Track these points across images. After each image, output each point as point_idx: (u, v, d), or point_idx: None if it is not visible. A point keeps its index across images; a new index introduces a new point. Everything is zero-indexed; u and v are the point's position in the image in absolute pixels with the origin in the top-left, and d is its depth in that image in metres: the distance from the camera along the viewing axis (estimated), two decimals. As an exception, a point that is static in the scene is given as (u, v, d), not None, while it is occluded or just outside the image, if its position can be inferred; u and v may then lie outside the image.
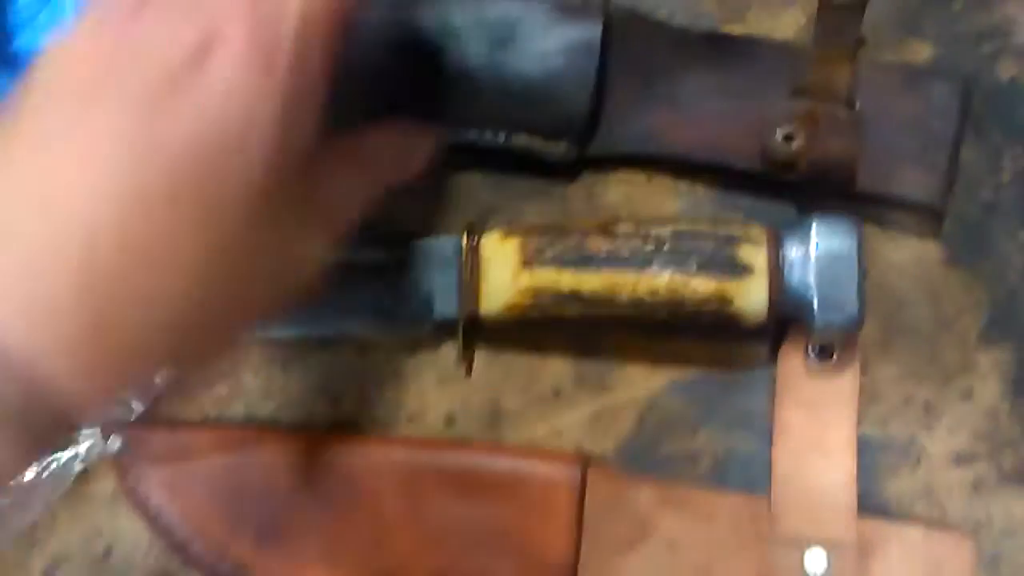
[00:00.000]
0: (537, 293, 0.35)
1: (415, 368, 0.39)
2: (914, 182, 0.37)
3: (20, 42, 0.41)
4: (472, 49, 0.36)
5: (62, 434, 0.26)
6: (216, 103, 0.25)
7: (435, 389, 0.39)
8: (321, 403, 0.39)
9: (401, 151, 0.34)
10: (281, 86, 0.25)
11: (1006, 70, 0.40)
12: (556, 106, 0.37)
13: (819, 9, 0.36)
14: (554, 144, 0.38)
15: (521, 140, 0.38)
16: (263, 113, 0.25)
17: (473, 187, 0.40)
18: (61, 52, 0.26)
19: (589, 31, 0.36)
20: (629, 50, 0.38)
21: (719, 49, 0.38)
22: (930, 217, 0.38)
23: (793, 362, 0.37)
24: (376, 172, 0.33)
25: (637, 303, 0.35)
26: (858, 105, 0.37)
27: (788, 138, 0.36)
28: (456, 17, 0.36)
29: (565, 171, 0.39)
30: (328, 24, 0.27)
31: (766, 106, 0.37)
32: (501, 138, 0.38)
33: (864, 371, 0.37)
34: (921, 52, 0.40)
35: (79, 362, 0.24)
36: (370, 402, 0.39)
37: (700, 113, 0.38)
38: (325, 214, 0.30)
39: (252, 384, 0.39)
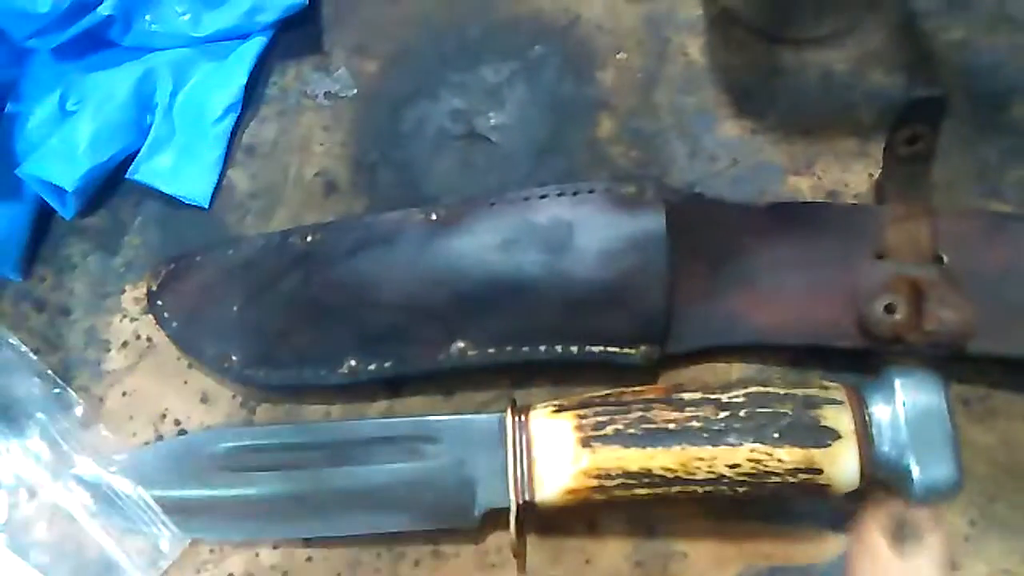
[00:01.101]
0: (601, 475, 0.31)
1: (454, 550, 0.35)
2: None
3: (27, 167, 0.39)
4: (527, 258, 0.34)
5: None
6: None
7: (476, 574, 0.35)
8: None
9: None
10: None
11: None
12: (628, 309, 0.34)
13: (885, 163, 0.35)
14: (631, 349, 0.34)
15: (595, 351, 0.34)
16: None
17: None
18: None
19: (652, 221, 0.34)
20: (692, 234, 0.35)
21: (786, 218, 0.36)
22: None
23: (873, 540, 0.34)
24: None
25: (716, 479, 0.31)
26: (946, 260, 0.35)
27: (889, 309, 0.34)
28: (504, 227, 0.34)
29: (640, 376, 0.36)
30: None
31: (851, 274, 0.35)
32: (573, 351, 0.35)
33: (952, 567, 0.34)
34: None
35: None
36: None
37: (780, 290, 0.35)
38: None
39: (268, 561, 0.35)
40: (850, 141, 0.39)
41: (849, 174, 0.39)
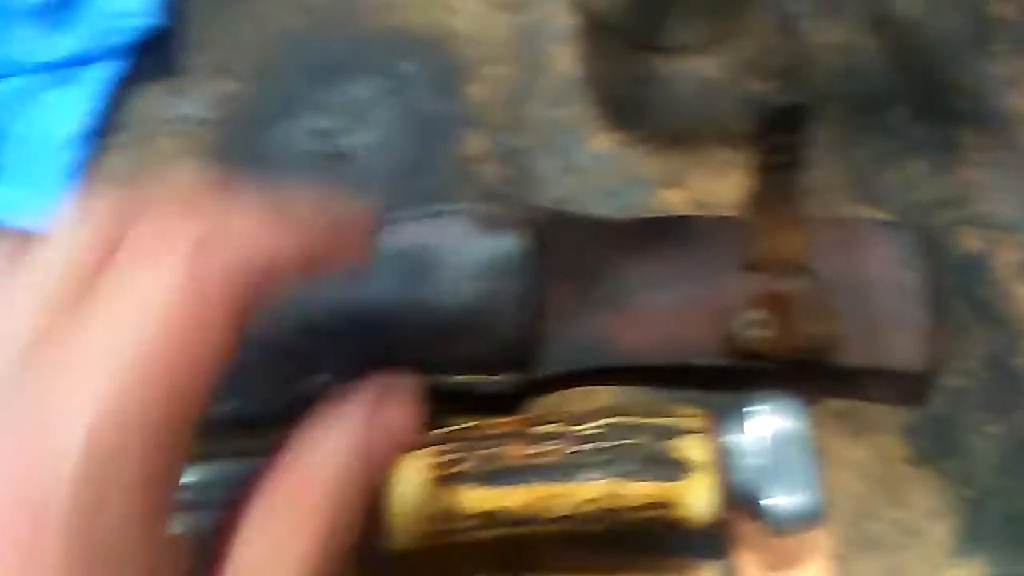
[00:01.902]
0: (455, 516, 0.31)
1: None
2: (896, 348, 0.34)
3: None
4: (385, 285, 0.33)
5: None
6: None
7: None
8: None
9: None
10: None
11: (969, 241, 0.38)
12: (490, 335, 0.33)
13: (756, 172, 0.34)
14: (494, 377, 0.34)
15: (457, 380, 0.34)
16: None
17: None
18: None
19: (514, 243, 0.33)
20: (559, 254, 0.34)
21: (655, 233, 0.36)
22: (915, 385, 0.36)
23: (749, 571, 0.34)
24: None
25: (569, 517, 0.31)
26: (815, 270, 0.34)
27: (753, 324, 0.33)
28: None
29: (504, 403, 0.35)
30: (154, 421, 0.20)
31: (719, 288, 0.34)
32: (436, 380, 0.33)
33: (824, 590, 0.34)
34: (877, 221, 0.38)
35: None
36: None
37: (648, 309, 0.35)
38: None
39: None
40: (723, 152, 0.39)
41: (720, 184, 0.38)
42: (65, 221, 0.22)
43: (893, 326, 0.34)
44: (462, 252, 0.33)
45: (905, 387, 0.35)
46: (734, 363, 0.34)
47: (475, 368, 0.34)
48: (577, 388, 0.36)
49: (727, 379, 0.35)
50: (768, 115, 0.33)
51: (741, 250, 0.35)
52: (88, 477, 0.19)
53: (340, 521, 0.23)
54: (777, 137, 0.34)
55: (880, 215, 0.38)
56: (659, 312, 0.35)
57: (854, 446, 0.35)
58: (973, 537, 0.34)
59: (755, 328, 0.33)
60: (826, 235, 0.35)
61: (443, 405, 0.34)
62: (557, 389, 0.36)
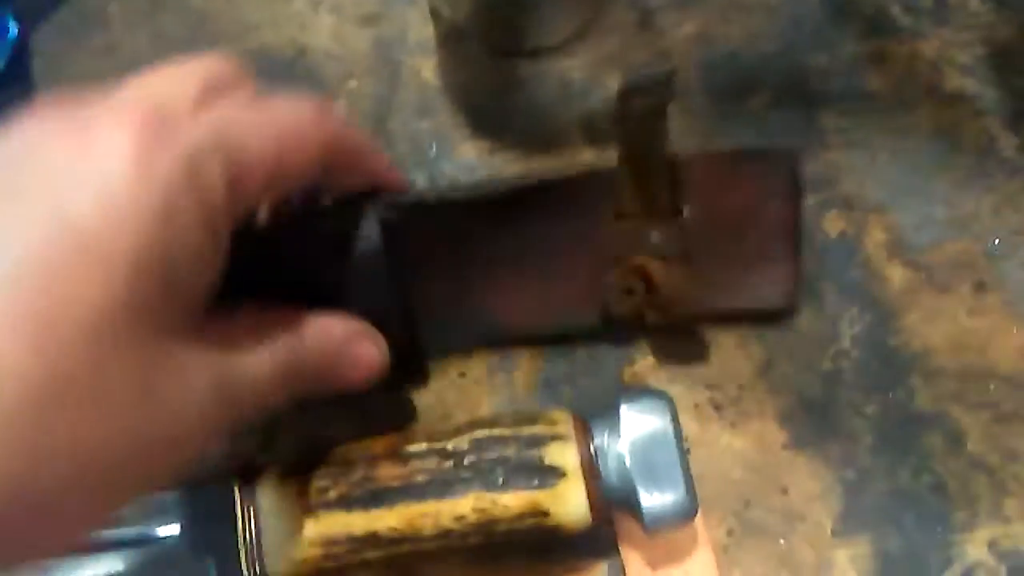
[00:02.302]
0: (327, 542, 0.30)
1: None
2: (759, 290, 0.36)
3: None
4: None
5: None
6: (83, 199, 0.23)
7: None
8: None
9: (336, 342, 0.30)
10: (162, 187, 0.23)
11: (834, 224, 0.38)
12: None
13: (618, 121, 0.34)
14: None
15: None
16: (135, 213, 0.23)
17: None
18: None
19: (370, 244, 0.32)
20: (422, 241, 0.33)
21: (522, 199, 0.35)
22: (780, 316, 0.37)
23: (636, 570, 0.34)
24: (305, 357, 0.29)
25: (443, 534, 0.31)
26: (686, 211, 0.35)
27: (623, 294, 0.34)
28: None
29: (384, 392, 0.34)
30: (253, 165, 0.26)
31: (592, 249, 0.35)
32: None
33: (712, 580, 0.34)
34: (744, 210, 0.38)
35: None
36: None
37: (523, 278, 0.35)
38: (230, 379, 0.26)
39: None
40: (590, 152, 0.39)
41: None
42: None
43: (762, 264, 0.36)
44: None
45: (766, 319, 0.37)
46: (610, 328, 0.35)
47: None
48: (451, 383, 0.36)
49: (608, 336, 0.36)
50: (632, 85, 0.33)
51: (612, 202, 0.35)
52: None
53: None
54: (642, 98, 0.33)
55: (749, 203, 0.38)
56: (534, 280, 0.35)
57: (733, 436, 0.36)
58: (855, 517, 0.35)
59: (624, 297, 0.34)
60: (696, 173, 0.35)
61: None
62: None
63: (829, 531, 0.35)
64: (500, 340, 0.36)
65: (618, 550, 0.34)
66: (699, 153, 0.37)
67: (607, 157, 0.38)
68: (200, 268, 0.25)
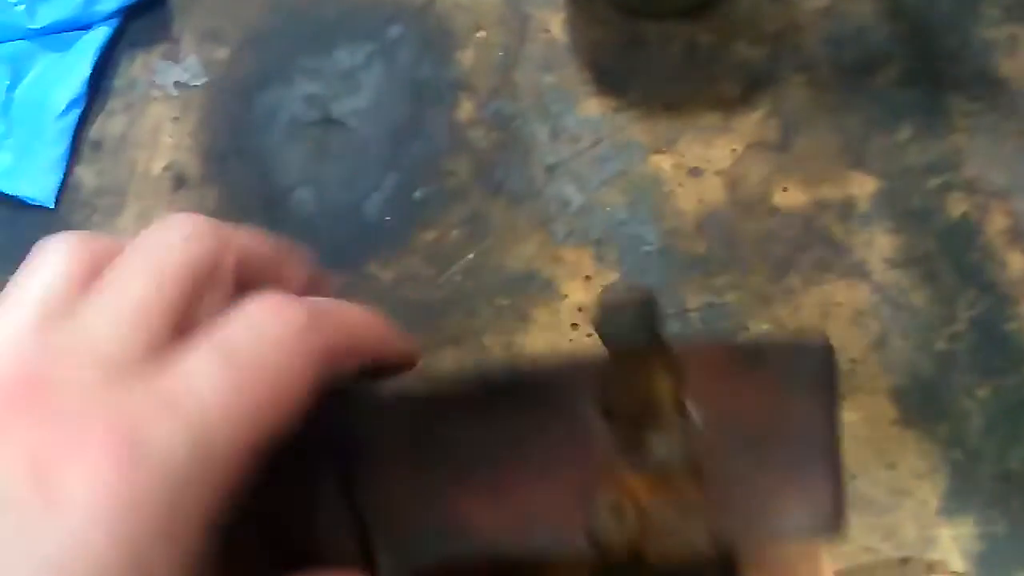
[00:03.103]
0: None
1: None
2: (794, 507, 0.26)
3: None
4: None
5: None
6: (58, 554, 0.19)
7: None
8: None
9: None
10: (146, 526, 0.19)
11: (956, 205, 0.38)
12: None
13: (600, 335, 0.26)
14: None
15: None
16: (120, 561, 0.19)
17: None
18: None
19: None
20: (380, 444, 0.28)
21: (499, 392, 0.28)
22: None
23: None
24: None
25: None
26: (693, 413, 0.26)
27: (608, 514, 0.26)
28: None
29: None
30: (242, 438, 0.21)
31: (580, 451, 0.27)
32: None
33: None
34: (866, 185, 0.38)
35: None
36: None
37: (497, 488, 0.27)
38: None
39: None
40: (713, 115, 0.39)
41: (712, 150, 0.39)
42: (165, 236, 0.23)
43: (791, 480, 0.27)
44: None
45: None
46: (600, 559, 0.27)
47: None
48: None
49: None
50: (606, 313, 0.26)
51: (600, 398, 0.27)
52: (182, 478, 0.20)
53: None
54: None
55: (870, 181, 0.38)
56: (511, 489, 0.28)
57: (844, 408, 0.35)
58: (961, 497, 0.35)
59: (614, 525, 0.26)
60: (706, 366, 0.27)
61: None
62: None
63: (934, 509, 0.35)
64: (471, 558, 0.28)
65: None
66: (709, 344, 0.31)
67: (731, 126, 0.39)
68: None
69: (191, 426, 0.20)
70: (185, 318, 0.22)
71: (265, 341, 0.21)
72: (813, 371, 0.27)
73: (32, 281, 0.22)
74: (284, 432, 0.22)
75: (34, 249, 0.23)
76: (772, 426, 0.27)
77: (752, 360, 0.28)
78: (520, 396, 0.28)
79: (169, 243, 0.22)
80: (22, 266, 0.23)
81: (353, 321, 0.25)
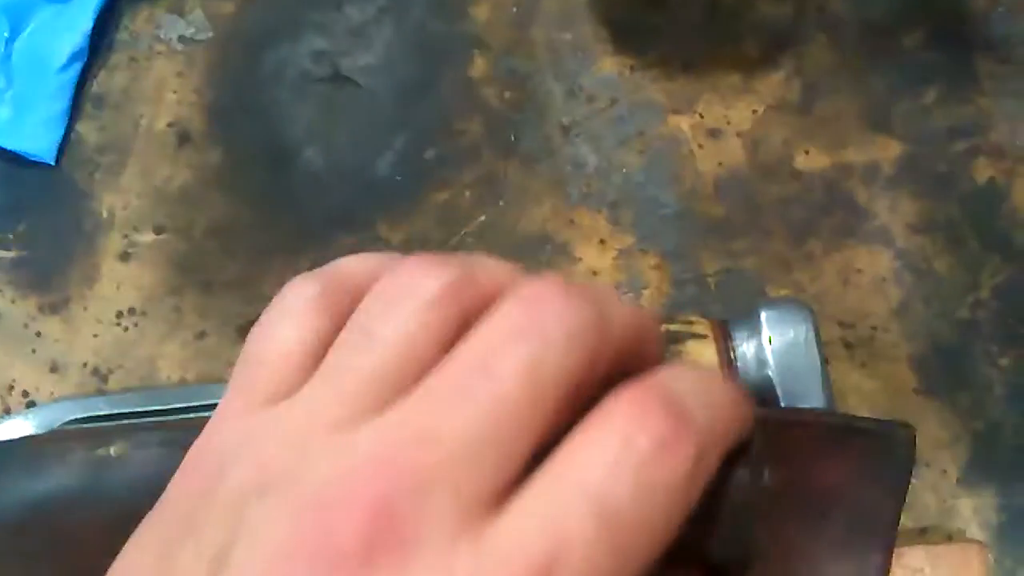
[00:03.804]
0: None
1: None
2: None
3: None
4: None
5: None
6: None
7: None
8: None
9: None
10: None
11: (982, 170, 0.37)
12: None
13: None
14: None
15: None
16: None
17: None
18: None
19: None
20: None
21: None
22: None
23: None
24: None
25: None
26: (766, 476, 0.25)
27: None
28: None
29: None
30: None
31: None
32: None
33: (831, 518, 0.34)
34: (890, 149, 0.37)
35: None
36: None
37: None
38: None
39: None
40: (734, 76, 0.38)
41: (732, 111, 0.38)
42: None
43: (844, 558, 0.27)
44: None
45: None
46: None
47: None
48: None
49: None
50: None
51: None
52: None
53: None
54: None
55: (895, 145, 0.37)
56: None
57: (864, 376, 0.35)
58: (982, 468, 0.34)
59: None
60: (791, 435, 0.27)
61: None
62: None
63: (955, 479, 0.34)
64: None
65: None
66: (801, 414, 0.31)
67: (752, 86, 0.38)
68: None
69: None
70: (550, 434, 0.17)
71: (649, 496, 0.16)
72: (892, 459, 0.28)
73: (379, 328, 0.18)
74: None
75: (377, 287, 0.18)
76: (839, 501, 0.27)
77: (838, 437, 0.28)
78: None
79: (552, 338, 0.17)
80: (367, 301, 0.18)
81: (737, 417, 0.19)
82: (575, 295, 0.17)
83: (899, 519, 0.27)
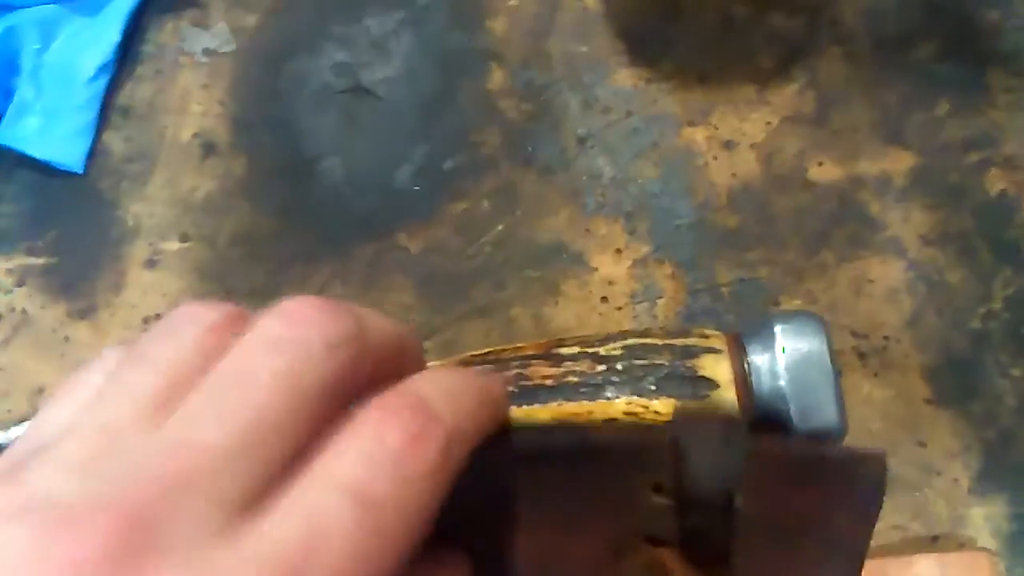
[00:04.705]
0: (477, 436, 0.31)
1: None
2: None
3: None
4: None
5: None
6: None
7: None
8: None
9: None
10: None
11: (994, 182, 0.38)
12: None
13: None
14: None
15: None
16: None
17: (409, 308, 0.37)
18: None
19: None
20: None
21: (559, 448, 0.28)
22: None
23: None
24: None
25: (593, 436, 0.32)
26: (738, 502, 0.26)
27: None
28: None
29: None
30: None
31: (619, 522, 0.28)
32: None
33: (842, 526, 0.34)
34: (903, 161, 0.38)
35: None
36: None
37: (538, 529, 0.27)
38: None
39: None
40: (748, 88, 0.39)
41: (746, 123, 0.39)
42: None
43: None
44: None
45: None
46: None
47: None
48: (591, 305, 0.37)
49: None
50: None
51: (652, 474, 0.28)
52: None
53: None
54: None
55: (908, 157, 0.38)
56: (551, 532, 0.28)
57: (876, 386, 0.36)
58: (993, 477, 0.35)
59: None
60: (764, 464, 0.27)
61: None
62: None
63: (966, 488, 0.35)
64: None
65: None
66: (772, 445, 0.29)
67: (767, 98, 0.39)
68: None
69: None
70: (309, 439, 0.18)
71: (404, 484, 0.18)
72: (864, 486, 0.28)
73: (154, 350, 0.19)
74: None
75: (163, 319, 0.20)
76: (812, 526, 0.28)
77: (811, 468, 0.28)
78: (580, 461, 0.29)
79: (310, 349, 0.18)
80: (150, 331, 0.19)
81: (485, 410, 0.22)
82: (334, 309, 0.19)
83: (869, 543, 0.27)
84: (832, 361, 0.31)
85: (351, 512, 0.17)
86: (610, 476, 0.28)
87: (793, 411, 0.31)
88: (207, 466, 0.17)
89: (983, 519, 0.35)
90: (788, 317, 0.32)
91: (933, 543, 0.34)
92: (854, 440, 0.34)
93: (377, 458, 0.18)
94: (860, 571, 0.28)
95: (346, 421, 0.18)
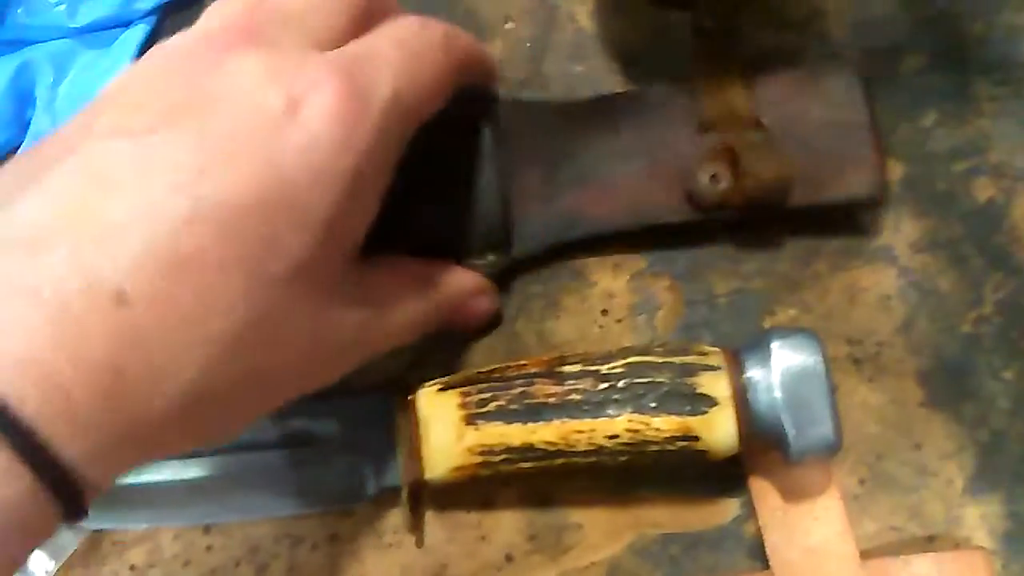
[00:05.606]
0: (485, 451, 0.33)
1: (351, 532, 0.36)
2: (847, 182, 0.37)
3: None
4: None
5: (55, 527, 0.23)
6: (294, 157, 0.25)
7: (373, 555, 0.36)
8: (246, 572, 0.36)
9: (463, 295, 0.36)
10: (360, 153, 0.27)
11: (983, 190, 0.39)
12: (472, 221, 0.36)
13: (692, 36, 0.39)
14: (479, 260, 0.37)
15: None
16: (336, 176, 0.26)
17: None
18: (134, 78, 0.28)
19: (485, 135, 0.37)
20: (523, 140, 0.38)
21: (609, 109, 0.39)
22: (869, 210, 0.39)
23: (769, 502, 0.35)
24: (436, 308, 0.34)
25: (596, 450, 0.33)
26: (766, 122, 0.38)
27: (714, 178, 0.36)
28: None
29: (499, 281, 0.38)
30: (412, 111, 0.29)
31: (676, 152, 0.38)
32: None
33: (841, 527, 0.35)
34: (893, 171, 0.39)
35: (93, 437, 0.22)
36: (300, 571, 0.36)
37: (613, 180, 0.38)
38: (374, 325, 0.31)
39: (170, 550, 0.37)
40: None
41: (739, 137, 0.40)
42: None
43: (841, 162, 0.37)
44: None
45: (856, 219, 0.39)
46: (698, 216, 0.37)
47: (462, 251, 0.37)
48: (592, 318, 0.39)
49: (692, 234, 0.39)
50: None
51: (694, 113, 0.38)
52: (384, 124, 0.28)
53: None
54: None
55: (896, 166, 0.39)
56: (622, 181, 0.38)
57: (870, 390, 0.37)
58: (988, 477, 0.36)
59: (712, 181, 0.37)
60: (772, 89, 0.38)
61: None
62: (536, 267, 0.39)
63: (960, 489, 0.36)
64: (588, 237, 0.38)
65: (748, 490, 0.36)
66: (770, 72, 0.39)
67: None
68: (365, 224, 0.29)
69: (391, 80, 0.28)
70: (362, 21, 0.30)
71: (424, 39, 0.30)
72: (848, 84, 0.38)
73: None
74: (429, 119, 0.31)
75: None
76: (824, 126, 0.37)
77: (804, 80, 0.38)
78: (632, 112, 0.38)
79: None
80: None
81: (468, 41, 0.34)
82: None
83: (876, 122, 0.38)
84: (827, 376, 0.33)
85: (396, 51, 0.29)
86: (661, 129, 0.38)
87: (789, 425, 0.32)
88: (300, 9, 0.28)
89: (978, 519, 0.36)
90: (784, 333, 0.33)
91: (929, 543, 0.36)
92: (850, 444, 0.36)
93: (416, 30, 0.31)
94: (877, 144, 0.37)
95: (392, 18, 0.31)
